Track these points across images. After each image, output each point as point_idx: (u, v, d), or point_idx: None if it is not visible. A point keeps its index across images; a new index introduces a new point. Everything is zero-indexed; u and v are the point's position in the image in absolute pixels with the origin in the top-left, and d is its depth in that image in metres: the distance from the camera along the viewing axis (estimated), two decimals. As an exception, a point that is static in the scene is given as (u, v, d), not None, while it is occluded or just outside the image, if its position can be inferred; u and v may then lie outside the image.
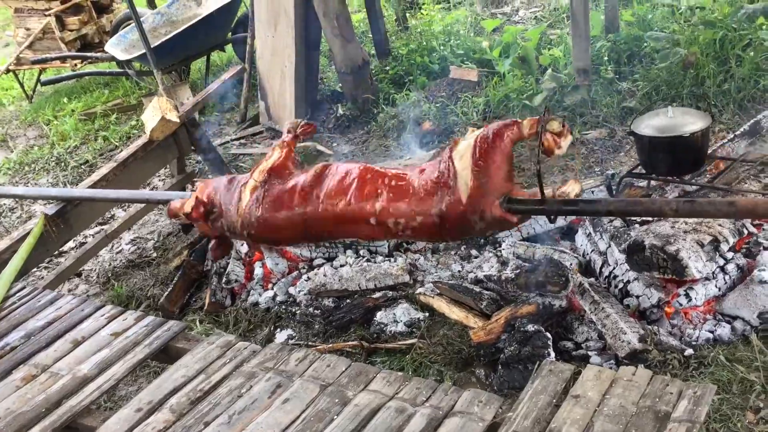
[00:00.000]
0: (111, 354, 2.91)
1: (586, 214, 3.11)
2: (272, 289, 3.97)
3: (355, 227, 2.64)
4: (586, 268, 3.49)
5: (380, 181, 2.58)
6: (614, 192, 3.56)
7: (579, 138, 4.97)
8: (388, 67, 6.55)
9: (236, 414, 2.41)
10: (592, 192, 3.78)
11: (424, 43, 6.71)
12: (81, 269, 4.77)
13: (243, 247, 4.17)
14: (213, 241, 3.14)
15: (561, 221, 3.80)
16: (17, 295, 3.54)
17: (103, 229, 5.03)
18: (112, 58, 7.77)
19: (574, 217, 3.77)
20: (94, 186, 4.27)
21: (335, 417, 2.30)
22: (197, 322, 3.84)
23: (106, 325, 3.12)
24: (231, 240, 3.26)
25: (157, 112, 4.59)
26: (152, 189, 5.70)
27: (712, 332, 2.95)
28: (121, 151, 5.53)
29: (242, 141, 6.40)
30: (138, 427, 2.44)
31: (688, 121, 3.24)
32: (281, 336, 3.66)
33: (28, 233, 4.00)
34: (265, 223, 2.81)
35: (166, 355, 2.96)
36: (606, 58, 5.51)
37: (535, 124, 2.35)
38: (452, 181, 2.50)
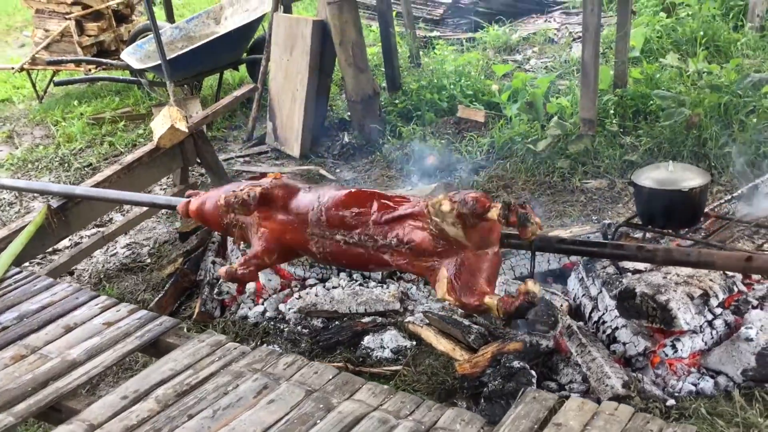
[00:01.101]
0: (101, 342, 2.93)
1: (584, 254, 3.14)
2: (263, 304, 3.99)
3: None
4: (576, 312, 3.52)
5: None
6: (609, 240, 3.60)
7: (579, 186, 5.04)
8: (397, 101, 6.66)
9: (221, 410, 2.43)
10: (588, 238, 3.82)
11: (435, 81, 6.83)
12: (74, 268, 4.79)
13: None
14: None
15: (555, 263, 3.84)
16: (14, 278, 3.56)
17: (100, 231, 5.06)
18: (127, 67, 7.87)
19: (567, 261, 3.83)
20: (97, 186, 4.29)
21: (318, 422, 2.33)
22: (185, 330, 3.83)
23: (99, 314, 3.15)
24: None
25: (167, 120, 4.65)
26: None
27: (695, 385, 2.97)
28: (127, 156, 5.56)
29: (247, 159, 6.47)
30: (122, 414, 2.45)
31: (688, 177, 3.30)
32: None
33: (27, 224, 4.02)
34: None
35: (156, 349, 2.98)
36: (612, 112, 5.61)
37: (498, 216, 2.38)
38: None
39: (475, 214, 2.33)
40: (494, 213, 2.33)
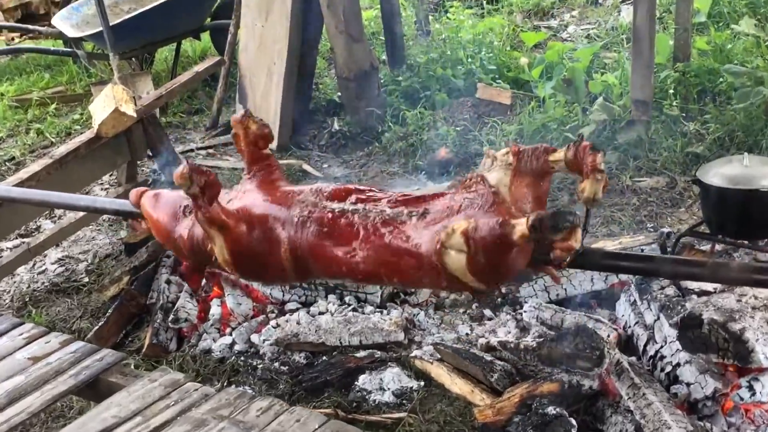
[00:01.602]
0: (26, 382, 2.90)
1: (638, 273, 3.12)
2: (230, 334, 3.98)
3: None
4: (627, 344, 3.52)
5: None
6: (669, 253, 3.59)
7: (630, 185, 5.04)
8: (400, 78, 6.65)
9: (177, 471, 2.42)
10: (641, 250, 3.82)
11: (449, 53, 6.83)
12: (-9, 289, 4.78)
13: None
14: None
15: (600, 283, 3.84)
16: None
17: (24, 242, 5.03)
18: (60, 35, 7.87)
19: (615, 280, 3.82)
20: (21, 185, 4.27)
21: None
22: (132, 368, 3.80)
23: (23, 346, 3.13)
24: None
25: (110, 102, 4.62)
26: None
27: (778, 437, 2.95)
28: (59, 147, 5.56)
29: (211, 151, 6.46)
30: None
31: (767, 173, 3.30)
32: (235, 395, 3.65)
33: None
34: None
35: (96, 391, 2.95)
36: (671, 92, 5.61)
37: (527, 240, 2.13)
38: (455, 283, 2.37)
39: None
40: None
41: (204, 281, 4.21)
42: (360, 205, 2.32)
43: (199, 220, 2.33)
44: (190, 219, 2.48)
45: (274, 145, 6.07)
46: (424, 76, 6.61)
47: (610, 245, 3.92)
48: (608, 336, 3.46)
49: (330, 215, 2.30)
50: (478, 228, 2.06)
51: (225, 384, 3.72)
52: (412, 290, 4.09)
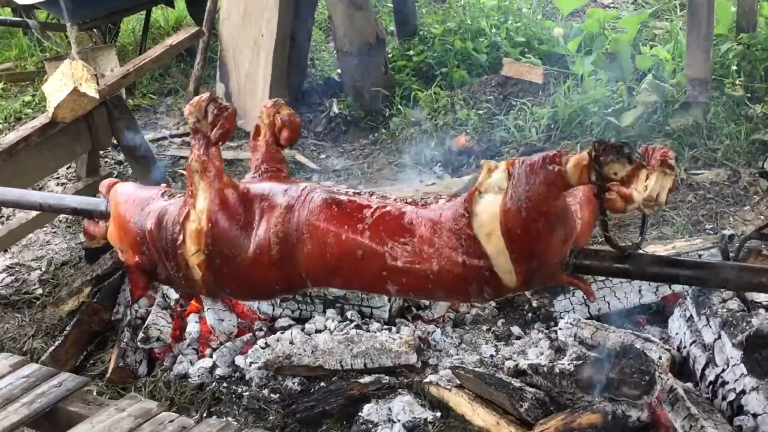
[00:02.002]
0: (-30, 412, 2.90)
1: (694, 283, 3.11)
2: (211, 356, 3.97)
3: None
4: (682, 367, 3.51)
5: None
6: (732, 259, 3.58)
7: (686, 179, 5.01)
8: (412, 52, 6.64)
9: None
10: (699, 256, 3.82)
11: (469, 23, 6.84)
12: (-72, 302, 4.77)
13: (172, 291, 4.20)
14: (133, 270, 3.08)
15: (650, 295, 3.85)
16: None
17: (-34, 247, 5.07)
18: (8, 2, 7.86)
19: (668, 292, 3.82)
20: (-39, 180, 4.29)
21: None
22: (95, 395, 3.76)
23: (-34, 370, 3.13)
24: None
25: (68, 81, 4.61)
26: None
27: None
28: (8, 135, 5.56)
29: (187, 139, 6.43)
30: None
31: None
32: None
33: None
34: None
35: (53, 421, 2.94)
36: (734, 68, 5.58)
37: (585, 169, 2.08)
38: (486, 271, 2.34)
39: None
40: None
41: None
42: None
43: (192, 164, 2.38)
44: (165, 199, 2.54)
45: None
46: (439, 50, 6.61)
47: (661, 250, 3.90)
48: (659, 358, 3.45)
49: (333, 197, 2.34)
50: (525, 161, 2.10)
51: (205, 415, 3.70)
52: (426, 303, 4.08)
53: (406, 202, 2.33)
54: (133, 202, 2.69)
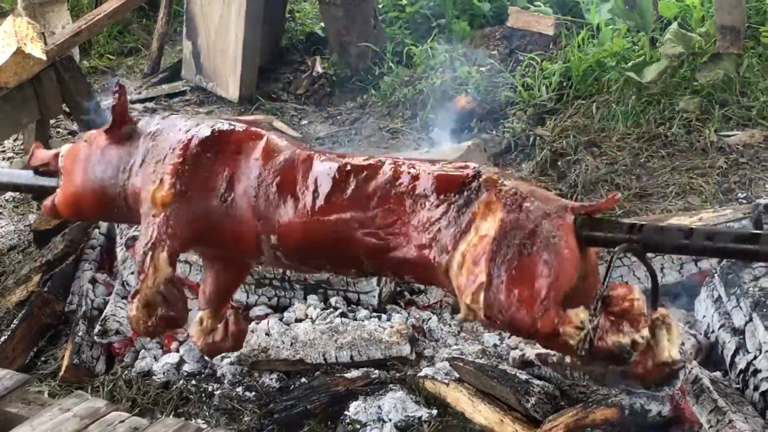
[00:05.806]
0: None
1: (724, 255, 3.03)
2: (177, 350, 4.02)
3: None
4: (709, 354, 3.59)
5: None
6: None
7: (716, 142, 5.00)
8: (404, 1, 6.59)
9: None
10: (729, 227, 3.79)
11: (469, -34, 6.79)
12: None
13: (132, 278, 4.12)
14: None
15: (673, 273, 3.88)
16: None
17: None
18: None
19: (694, 269, 3.90)
20: None
21: None
22: (39, 393, 3.80)
23: None
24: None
25: (11, 40, 4.53)
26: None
27: None
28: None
29: (150, 105, 6.39)
30: None
31: None
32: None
33: None
34: None
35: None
36: (771, 14, 5.56)
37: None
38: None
39: None
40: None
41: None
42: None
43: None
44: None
45: (234, 95, 6.09)
46: (436, -1, 6.58)
47: (687, 221, 3.85)
48: (683, 344, 3.43)
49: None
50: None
51: (171, 414, 3.74)
52: (421, 287, 4.06)
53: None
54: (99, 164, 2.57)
